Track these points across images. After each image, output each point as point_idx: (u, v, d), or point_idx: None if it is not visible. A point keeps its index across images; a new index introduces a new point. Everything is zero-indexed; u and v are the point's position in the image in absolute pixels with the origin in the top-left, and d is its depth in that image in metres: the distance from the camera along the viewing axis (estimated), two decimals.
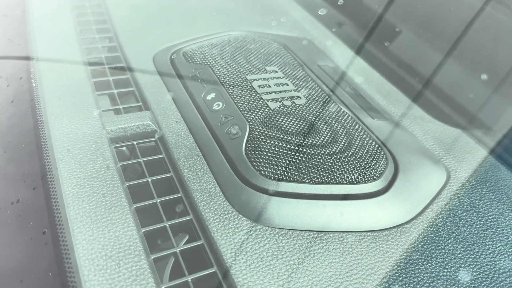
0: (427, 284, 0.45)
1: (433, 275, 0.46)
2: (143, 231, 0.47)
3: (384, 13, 0.99)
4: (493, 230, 0.52)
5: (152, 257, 0.44)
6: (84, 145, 0.54)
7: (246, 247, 0.46)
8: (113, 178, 0.51)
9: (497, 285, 0.46)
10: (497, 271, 0.48)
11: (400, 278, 0.45)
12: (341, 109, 0.64)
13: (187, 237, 0.48)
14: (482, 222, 0.53)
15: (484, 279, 0.47)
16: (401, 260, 0.47)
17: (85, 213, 0.46)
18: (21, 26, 0.75)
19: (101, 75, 0.69)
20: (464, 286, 0.45)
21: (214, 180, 0.53)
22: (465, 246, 0.50)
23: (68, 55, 0.72)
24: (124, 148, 0.58)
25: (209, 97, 0.63)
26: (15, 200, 0.46)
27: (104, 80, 0.68)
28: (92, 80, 0.67)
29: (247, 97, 0.62)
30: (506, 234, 0.52)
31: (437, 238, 0.50)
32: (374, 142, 0.59)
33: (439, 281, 0.45)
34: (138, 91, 0.67)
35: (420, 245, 0.50)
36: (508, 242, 0.51)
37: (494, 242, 0.51)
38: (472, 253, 0.49)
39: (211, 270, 0.44)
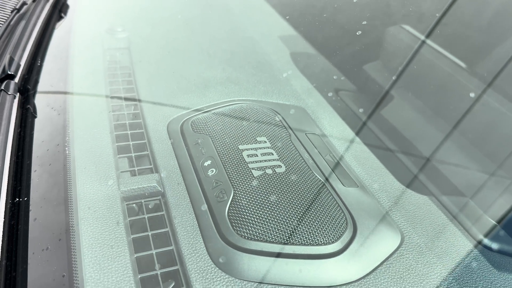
0: None
1: None
2: (139, 277, 0.60)
3: (379, 85, 1.11)
4: None
5: None
6: (102, 204, 0.69)
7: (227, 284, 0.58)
8: (120, 232, 0.65)
9: None
10: None
11: None
12: (316, 176, 0.76)
13: (173, 284, 0.61)
14: (423, 284, 0.63)
15: None
16: None
17: (96, 261, 0.60)
18: (62, 98, 0.92)
19: (124, 139, 0.85)
20: None
21: (200, 237, 0.66)
22: None
23: (98, 121, 0.88)
24: (134, 205, 0.72)
25: (206, 164, 0.77)
26: (45, 247, 0.61)
27: (126, 144, 0.84)
28: (115, 145, 0.83)
29: (236, 165, 0.76)
30: None
31: None
32: (339, 209, 0.70)
33: None
34: (152, 155, 0.82)
35: None
36: None
37: None
38: None
39: None
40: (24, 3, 1.39)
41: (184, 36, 1.33)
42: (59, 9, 1.47)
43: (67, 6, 1.51)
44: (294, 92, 1.04)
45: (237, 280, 0.60)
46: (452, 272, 0.65)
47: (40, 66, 1.13)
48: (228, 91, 1.02)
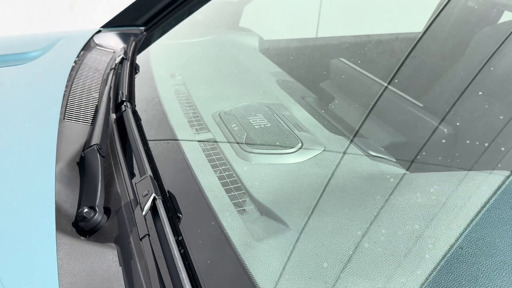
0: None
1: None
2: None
3: (330, 94, 2.00)
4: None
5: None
6: (191, 144, 1.56)
7: (245, 164, 1.43)
8: (198, 150, 1.51)
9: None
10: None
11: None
12: (285, 127, 1.62)
13: (224, 162, 1.46)
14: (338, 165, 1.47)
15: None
16: (298, 171, 1.42)
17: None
18: (156, 110, 1.82)
19: (191, 121, 1.73)
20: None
21: (234, 152, 1.51)
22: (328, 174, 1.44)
23: (177, 116, 1.77)
24: (202, 143, 1.58)
25: (232, 126, 1.64)
26: (172, 158, 1.47)
27: (192, 123, 1.72)
28: (189, 123, 1.71)
29: (246, 124, 1.63)
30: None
31: (310, 168, 1.44)
32: (296, 138, 1.56)
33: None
34: (206, 127, 1.69)
35: (304, 166, 1.44)
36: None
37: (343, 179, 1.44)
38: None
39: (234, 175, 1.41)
40: (116, 64, 2.34)
41: (213, 75, 2.25)
42: (134, 67, 2.42)
43: (138, 66, 2.47)
44: (277, 99, 1.93)
45: (252, 163, 1.45)
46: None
47: (135, 96, 2.04)
48: (239, 99, 1.90)
